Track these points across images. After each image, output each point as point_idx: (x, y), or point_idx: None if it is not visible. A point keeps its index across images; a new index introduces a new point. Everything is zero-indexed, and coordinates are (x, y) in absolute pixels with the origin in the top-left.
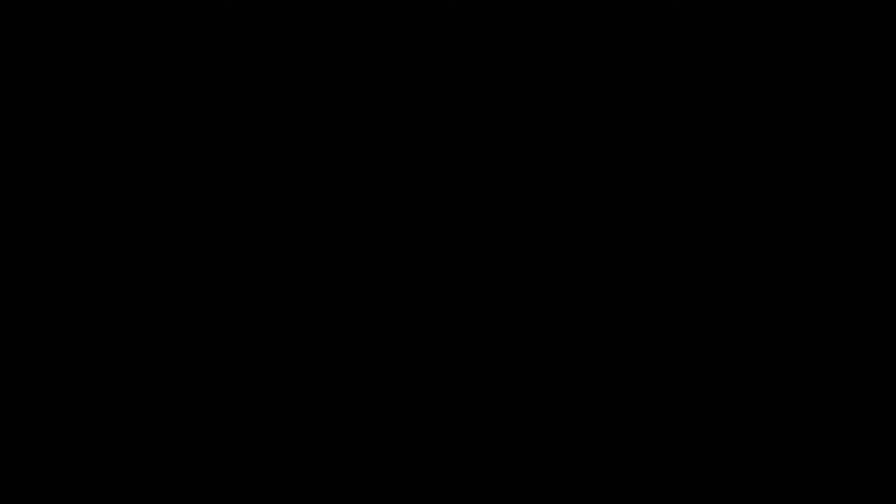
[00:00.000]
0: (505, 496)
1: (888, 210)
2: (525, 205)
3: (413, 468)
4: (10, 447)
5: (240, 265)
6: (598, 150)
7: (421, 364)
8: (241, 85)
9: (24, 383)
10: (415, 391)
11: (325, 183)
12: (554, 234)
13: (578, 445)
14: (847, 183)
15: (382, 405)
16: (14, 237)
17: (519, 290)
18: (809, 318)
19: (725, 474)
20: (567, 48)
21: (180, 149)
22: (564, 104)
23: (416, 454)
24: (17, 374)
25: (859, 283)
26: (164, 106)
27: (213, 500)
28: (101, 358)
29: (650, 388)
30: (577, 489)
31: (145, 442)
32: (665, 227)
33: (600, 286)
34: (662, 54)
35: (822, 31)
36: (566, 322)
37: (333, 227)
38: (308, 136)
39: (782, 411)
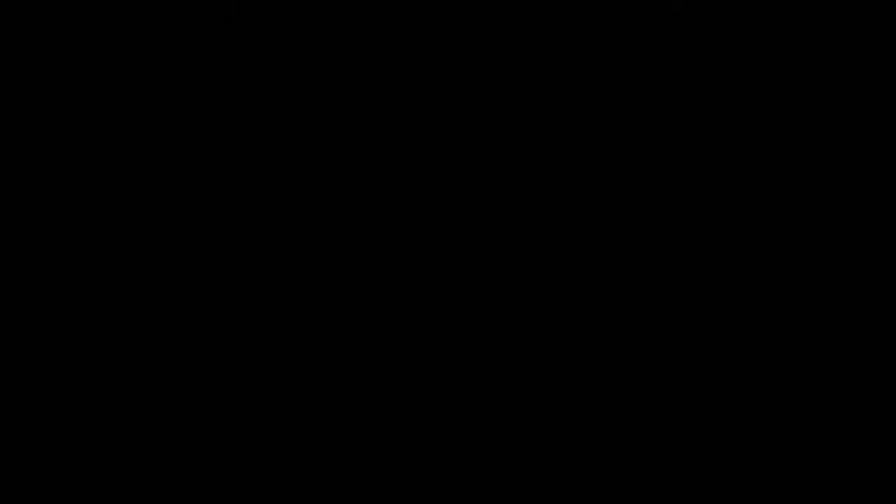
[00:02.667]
0: (502, 496)
1: None
2: (529, 206)
3: (403, 471)
4: None
5: (232, 265)
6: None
7: (415, 365)
8: (238, 84)
9: None
10: (408, 393)
11: (321, 183)
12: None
13: (579, 445)
14: None
15: (372, 406)
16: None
17: (519, 293)
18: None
19: (725, 474)
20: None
21: (178, 149)
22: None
23: (403, 457)
24: None
25: None
26: (162, 108)
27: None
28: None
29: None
30: (576, 488)
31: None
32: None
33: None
34: None
35: None
36: (563, 323)
37: (320, 225)
38: (304, 135)
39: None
